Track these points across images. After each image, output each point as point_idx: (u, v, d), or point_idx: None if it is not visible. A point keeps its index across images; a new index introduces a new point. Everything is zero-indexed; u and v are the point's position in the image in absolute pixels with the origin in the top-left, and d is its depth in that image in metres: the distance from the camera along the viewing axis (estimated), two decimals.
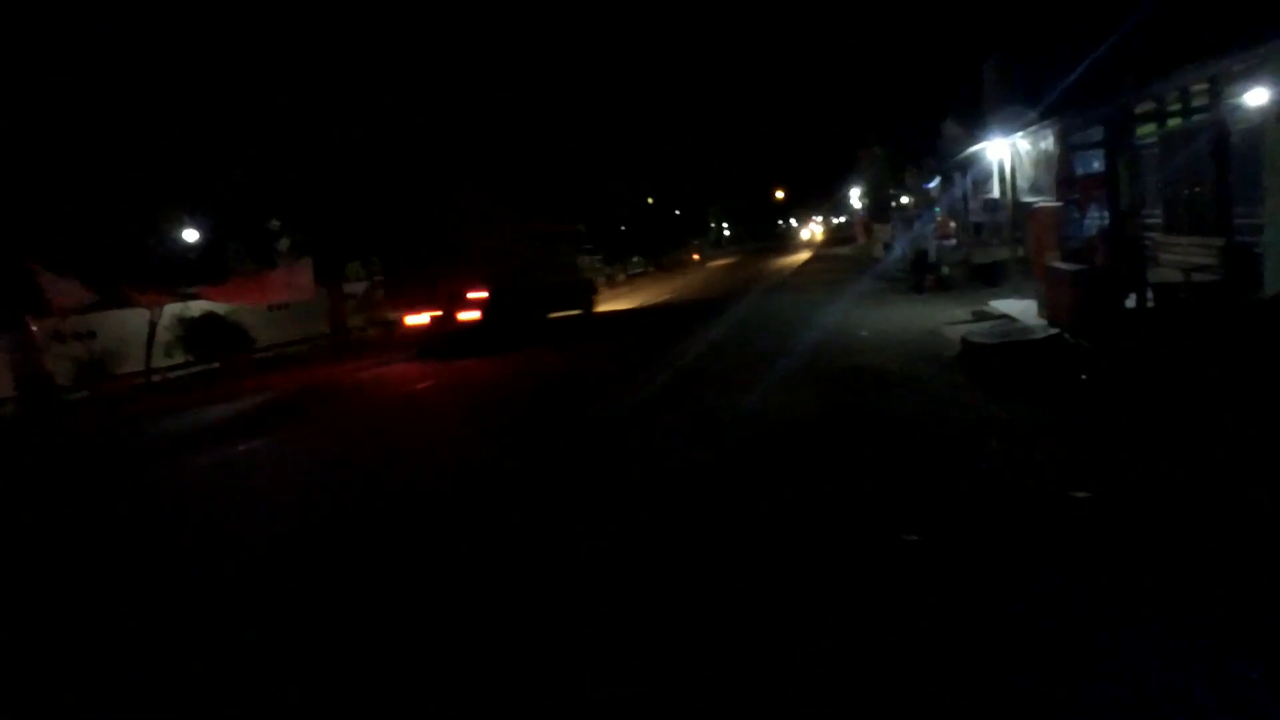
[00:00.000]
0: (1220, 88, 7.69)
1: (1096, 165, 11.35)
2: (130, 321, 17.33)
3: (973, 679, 2.76)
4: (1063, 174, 10.95)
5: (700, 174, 54.38)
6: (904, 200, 34.16)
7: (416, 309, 15.16)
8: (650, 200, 49.29)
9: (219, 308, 19.08)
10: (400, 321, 16.00)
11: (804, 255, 40.86)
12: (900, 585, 3.52)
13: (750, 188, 70.08)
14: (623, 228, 46.21)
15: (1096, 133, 10.94)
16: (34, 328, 14.63)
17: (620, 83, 40.46)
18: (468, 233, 15.62)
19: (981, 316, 10.87)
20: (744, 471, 5.53)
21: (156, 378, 17.26)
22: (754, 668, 3.01)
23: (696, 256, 49.34)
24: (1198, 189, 9.48)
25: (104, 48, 14.12)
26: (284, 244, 21.94)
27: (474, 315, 14.67)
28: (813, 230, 78.71)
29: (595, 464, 6.18)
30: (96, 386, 16.18)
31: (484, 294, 14.74)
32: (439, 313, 14.80)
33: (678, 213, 51.72)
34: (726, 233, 76.10)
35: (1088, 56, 10.98)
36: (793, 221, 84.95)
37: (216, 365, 18.55)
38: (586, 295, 19.78)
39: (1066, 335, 7.54)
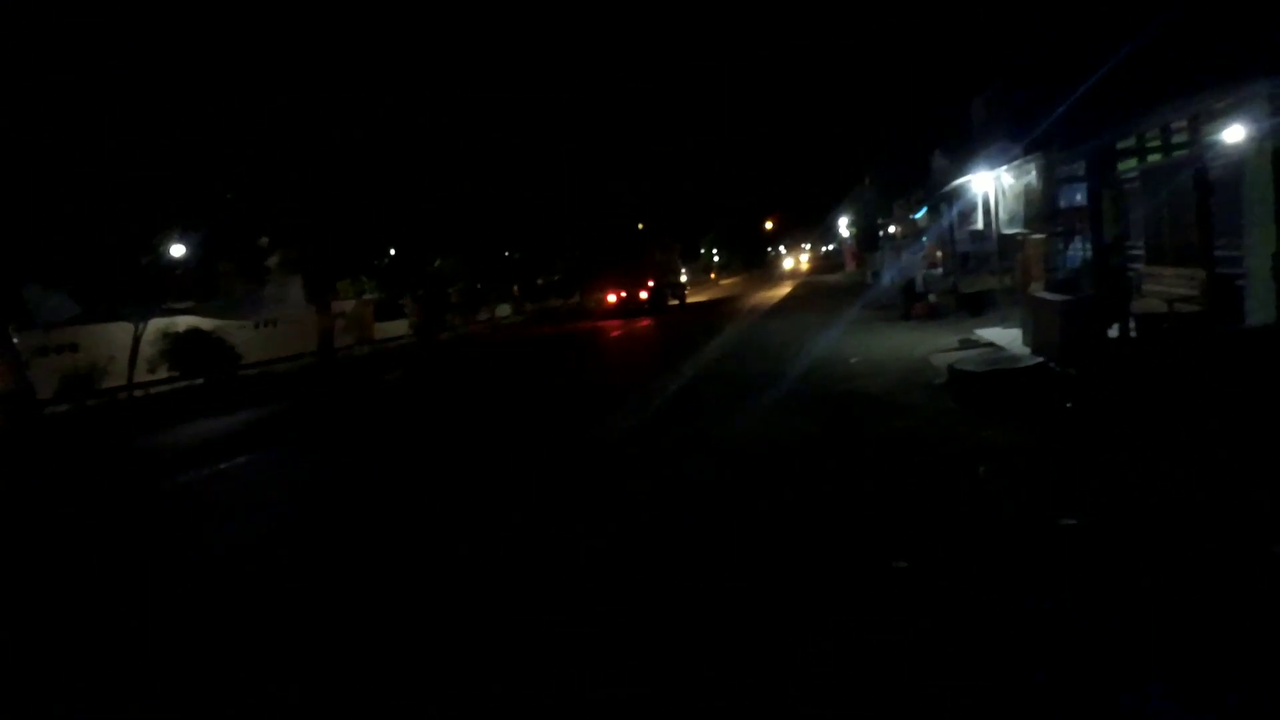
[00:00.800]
0: (1200, 125, 7.88)
1: (1080, 198, 11.55)
2: (114, 335, 17.17)
3: (961, 710, 2.73)
4: (1047, 207, 11.12)
5: (692, 202, 54.93)
6: (892, 230, 34.58)
7: (610, 293, 29.17)
8: (640, 226, 49.65)
9: (204, 323, 18.96)
10: (602, 300, 29.66)
11: (785, 288, 34.91)
12: (889, 612, 3.49)
13: (741, 216, 70.71)
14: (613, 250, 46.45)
15: (1080, 167, 11.16)
16: (15, 340, 14.45)
17: (614, 116, 41.00)
18: (647, 250, 30.49)
19: (969, 344, 10.95)
20: (737, 493, 5.51)
21: (138, 393, 17.06)
22: (742, 695, 2.96)
23: (714, 275, 63.95)
24: (1179, 222, 9.66)
25: (99, 63, 14.15)
26: (273, 261, 21.88)
27: (645, 296, 28.71)
28: (797, 259, 73.83)
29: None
30: (79, 401, 15.97)
31: (653, 284, 29.15)
32: (624, 294, 28.79)
33: (634, 237, 52.18)
34: (717, 259, 76.64)
35: (1071, 94, 11.24)
36: (782, 249, 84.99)
37: (201, 381, 18.36)
38: (681, 290, 33.59)
39: (1052, 364, 7.61)
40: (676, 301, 31.23)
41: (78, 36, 13.75)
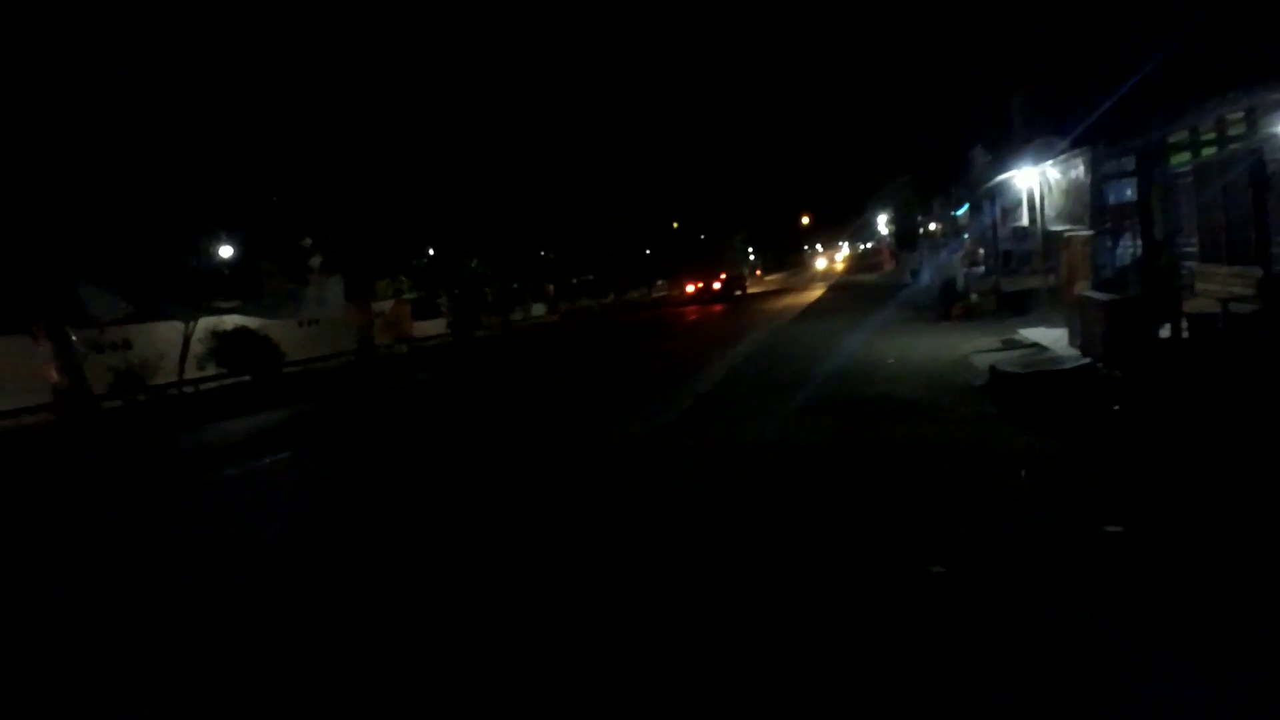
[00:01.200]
0: (1257, 117, 7.57)
1: (1129, 193, 11.19)
2: (165, 333, 17.74)
3: (993, 716, 2.67)
4: (1094, 203, 10.81)
5: (726, 200, 54.69)
6: (931, 227, 33.96)
7: (690, 284, 39.54)
8: (675, 225, 49.57)
9: (251, 322, 19.49)
10: (683, 290, 40.50)
11: (819, 289, 33.50)
12: (924, 617, 3.44)
13: (776, 214, 70.11)
14: (648, 251, 46.49)
15: (1129, 162, 10.81)
16: (74, 338, 15.03)
17: (649, 116, 41.01)
18: (720, 248, 49.53)
19: (1010, 345, 10.70)
20: (766, 496, 5.48)
21: (189, 389, 17.61)
22: (776, 699, 2.95)
23: (759, 273, 67.46)
24: (1235, 218, 9.31)
25: (152, 71, 14.65)
26: (315, 261, 22.39)
27: (719, 286, 37.15)
28: (831, 259, 71.77)
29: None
30: (131, 397, 16.54)
31: (725, 277, 38.27)
32: (700, 285, 38.61)
33: (703, 238, 52.19)
34: (752, 258, 76.14)
35: (1119, 86, 10.90)
36: (818, 247, 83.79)
37: (247, 378, 18.89)
38: (744, 283, 40.68)
39: (1099, 365, 7.40)
40: (740, 292, 38.45)
41: (127, 44, 14.25)
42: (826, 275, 54.37)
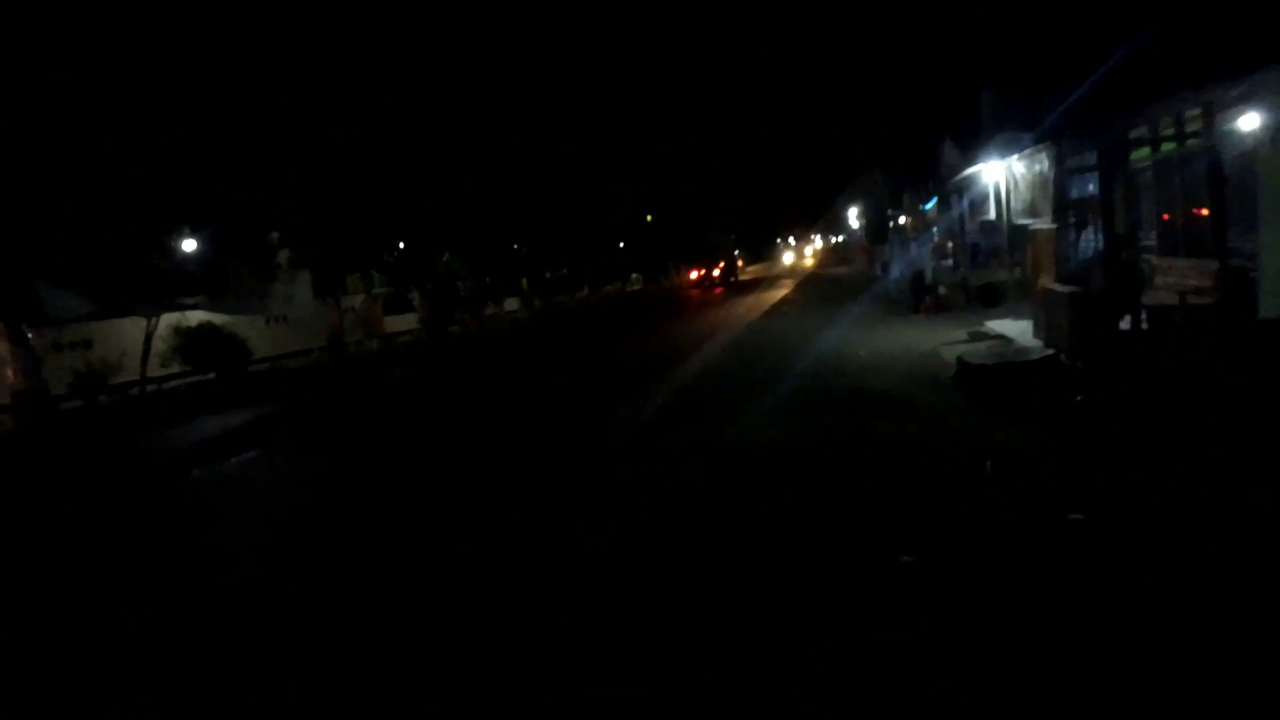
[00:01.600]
0: (1214, 113, 7.77)
1: (1092, 188, 11.42)
2: (127, 331, 17.31)
3: (961, 702, 2.72)
4: (1058, 197, 11.02)
5: (699, 194, 54.77)
6: (902, 221, 34.35)
7: (693, 271, 46.95)
8: (649, 219, 49.56)
9: (216, 318, 19.10)
10: (686, 276, 48.03)
11: (788, 287, 31.50)
12: (894, 606, 3.49)
13: (750, 208, 70.39)
14: (620, 245, 46.43)
15: (1092, 157, 11.03)
16: (30, 336, 14.60)
17: (619, 111, 40.91)
18: (717, 241, 53.28)
19: (978, 337, 10.88)
20: (740, 489, 5.50)
21: (151, 388, 17.21)
22: (747, 685, 2.97)
23: (741, 264, 66.52)
24: (1192, 213, 9.55)
25: (110, 64, 14.25)
26: (283, 257, 21.99)
27: (718, 273, 46.40)
28: (800, 252, 69.91)
29: None
30: (92, 397, 16.13)
31: (723, 264, 47.94)
32: (702, 271, 46.42)
33: (709, 234, 52.67)
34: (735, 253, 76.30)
35: (1083, 82, 11.11)
36: (791, 240, 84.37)
37: (212, 376, 18.52)
38: (736, 271, 49.37)
39: (1062, 356, 7.55)
40: (733, 278, 45.87)
41: (87, 38, 13.85)
42: (794, 271, 52.64)
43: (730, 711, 2.85)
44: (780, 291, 28.73)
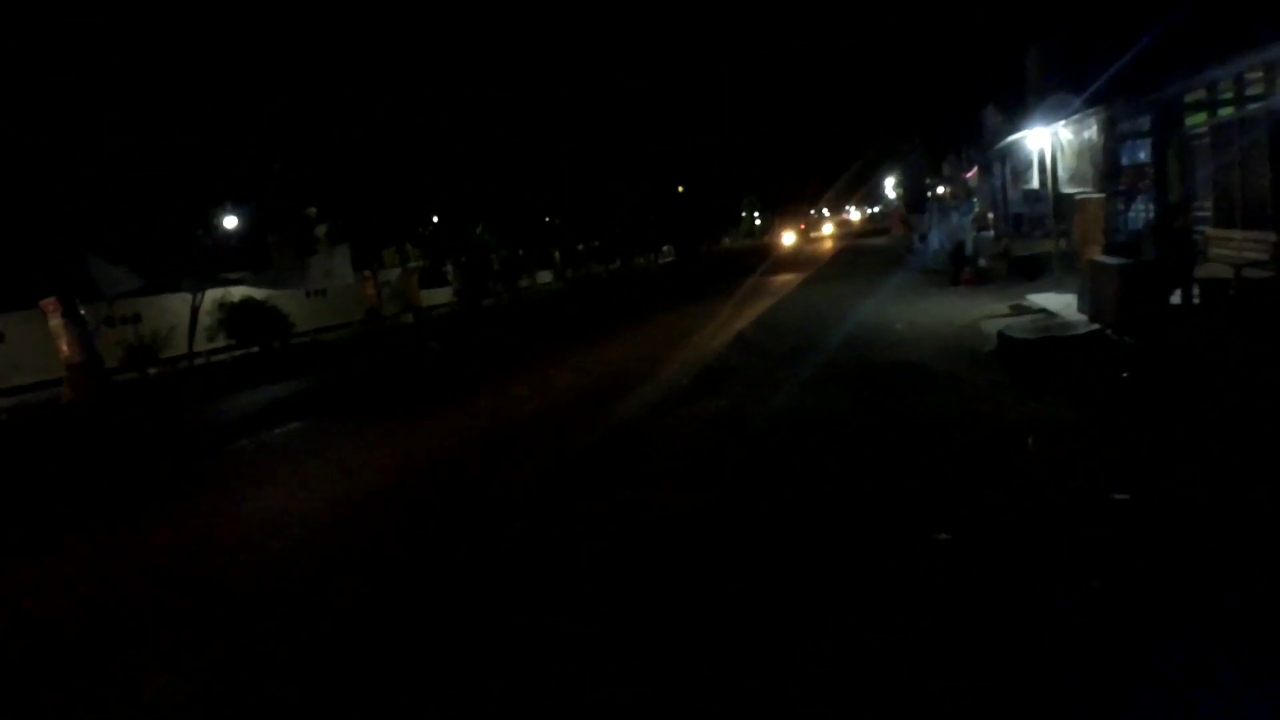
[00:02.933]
0: (1277, 74, 7.40)
1: (1143, 155, 11.00)
2: (174, 306, 17.81)
3: (998, 685, 2.73)
4: (1108, 164, 10.65)
5: (732, 163, 54.00)
6: (941, 190, 33.51)
7: (786, 230, 52.06)
8: (681, 189, 49.03)
9: (258, 293, 19.52)
10: (779, 235, 52.02)
11: (823, 256, 32.31)
12: (929, 583, 3.49)
13: (783, 178, 69.17)
14: (653, 216, 46.12)
15: (1144, 122, 10.61)
16: (83, 312, 15.10)
17: (655, 79, 40.28)
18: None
19: (1020, 311, 10.64)
20: (774, 463, 5.52)
21: (198, 361, 17.73)
22: (776, 663, 3.02)
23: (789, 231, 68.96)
24: (1252, 181, 9.14)
25: (154, 44, 14.50)
26: (321, 231, 22.32)
27: (802, 229, 56.25)
28: (837, 223, 65.80)
29: None
30: (143, 370, 16.69)
31: (804, 226, 58.04)
32: (798, 229, 53.73)
33: (709, 200, 51.67)
34: (759, 223, 75.42)
35: (1136, 42, 10.63)
36: (825, 211, 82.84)
37: (256, 350, 19.00)
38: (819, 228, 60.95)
39: (1109, 331, 7.36)
40: (814, 232, 55.48)
41: (137, 19, 14.11)
42: (831, 239, 51.54)
43: (756, 691, 2.90)
44: (823, 251, 28.41)
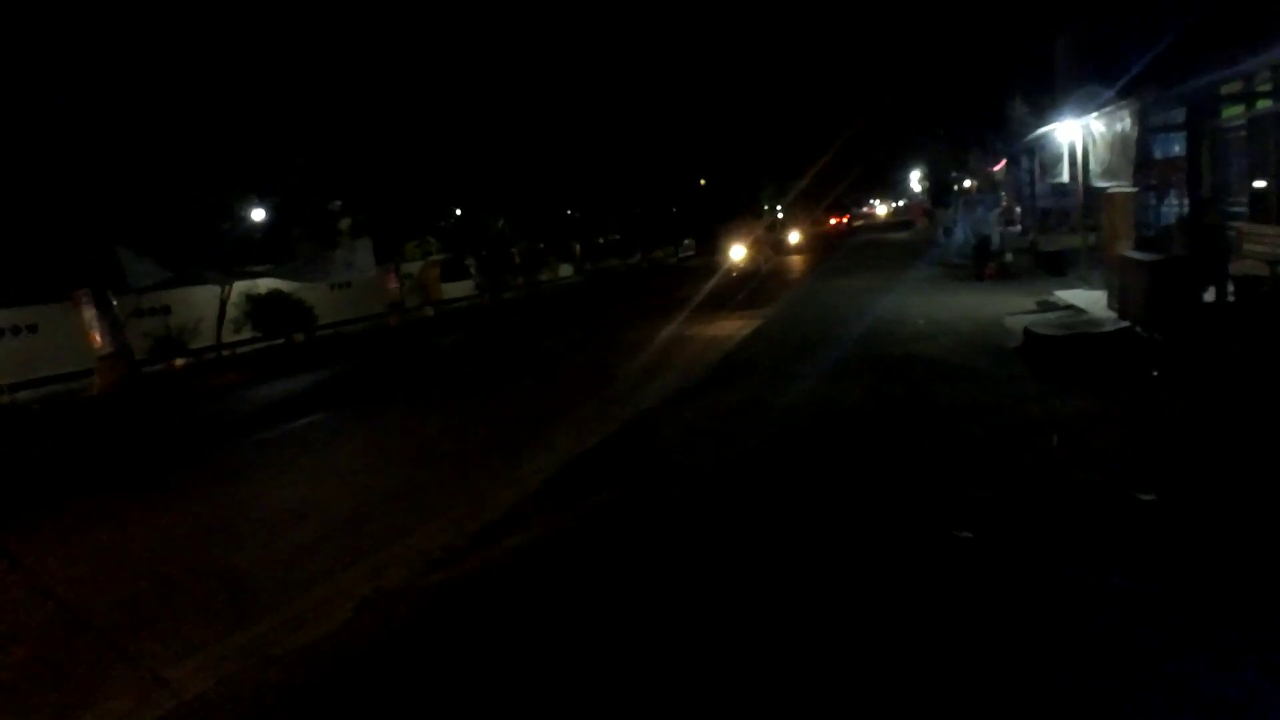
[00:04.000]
0: None
1: (1177, 149, 10.76)
2: (201, 298, 18.10)
3: (1012, 687, 2.71)
4: (1140, 157, 10.40)
5: (753, 155, 53.66)
6: (966, 183, 33.01)
7: (834, 219, 64.01)
8: (702, 182, 48.83)
9: (284, 285, 19.77)
10: (826, 225, 61.19)
11: (844, 251, 30.86)
12: (948, 582, 3.47)
13: (804, 170, 68.52)
14: (674, 209, 46.02)
15: (1178, 114, 10.37)
16: (114, 303, 15.40)
17: (672, 69, 40.06)
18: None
19: (1046, 307, 10.48)
20: (792, 457, 5.50)
21: (225, 353, 18.02)
22: (792, 659, 3.01)
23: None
24: None
25: (180, 37, 14.69)
26: (344, 224, 22.53)
27: (845, 221, 64.75)
28: (860, 217, 66.78)
29: None
30: (171, 361, 16.99)
31: (848, 218, 66.60)
32: (840, 221, 64.07)
33: (729, 193, 51.40)
34: (780, 216, 74.86)
35: (1168, 31, 10.38)
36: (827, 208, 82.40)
37: (281, 342, 19.26)
38: (854, 223, 63.40)
39: (1138, 329, 7.23)
40: (859, 222, 58.13)
41: (164, 14, 14.31)
42: (855, 232, 51.35)
43: (765, 685, 2.90)
44: (841, 252, 28.20)
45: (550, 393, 9.53)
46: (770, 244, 32.42)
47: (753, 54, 68.53)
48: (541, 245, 33.92)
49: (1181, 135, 10.19)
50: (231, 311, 18.26)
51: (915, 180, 50.22)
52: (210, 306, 17.71)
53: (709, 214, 48.50)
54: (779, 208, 73.33)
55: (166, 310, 17.72)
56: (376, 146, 20.82)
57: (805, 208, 76.02)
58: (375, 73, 20.16)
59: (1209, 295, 7.47)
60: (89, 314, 15.19)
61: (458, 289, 28.79)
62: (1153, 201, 11.02)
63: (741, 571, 3.87)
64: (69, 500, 7.05)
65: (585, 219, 37.73)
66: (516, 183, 28.52)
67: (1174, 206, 10.71)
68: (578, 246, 38.73)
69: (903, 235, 38.80)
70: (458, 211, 28.66)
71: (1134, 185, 10.49)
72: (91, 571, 5.13)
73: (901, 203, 62.59)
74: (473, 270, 29.59)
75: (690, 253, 49.08)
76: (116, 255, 15.16)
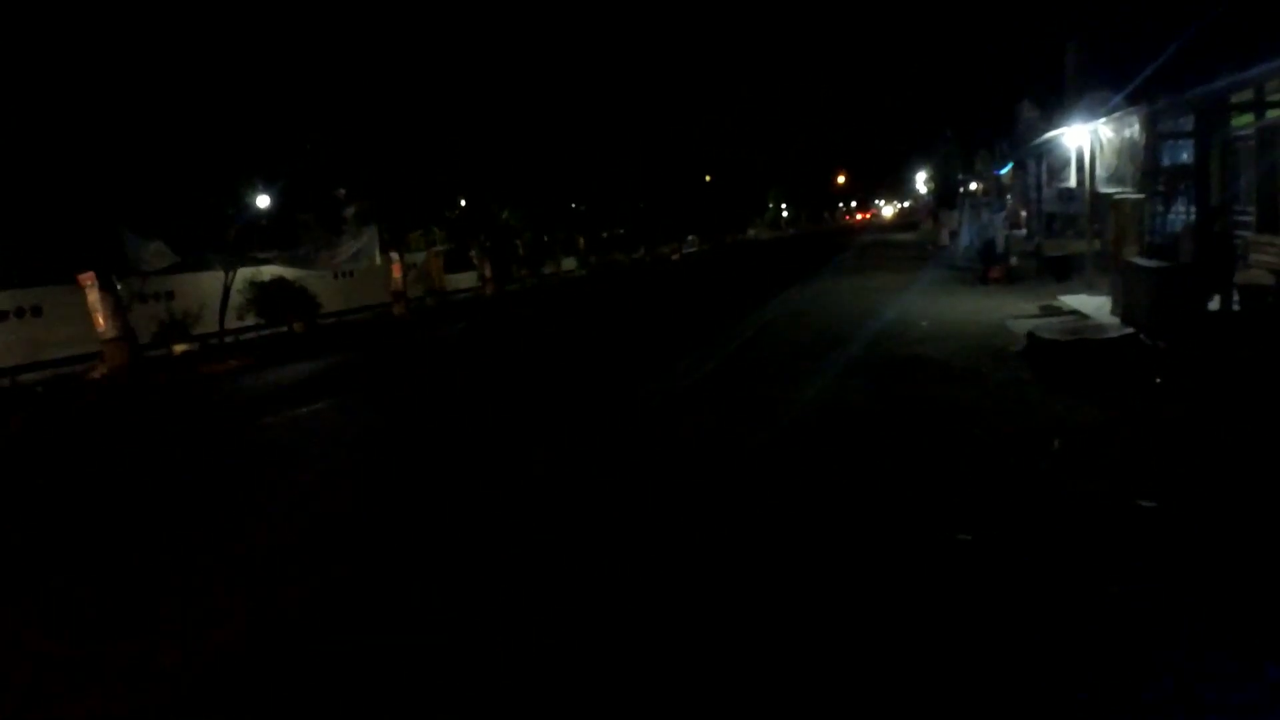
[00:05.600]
0: None
1: (1185, 156, 10.75)
2: (206, 284, 18.09)
3: (1010, 687, 2.72)
4: (1148, 164, 10.40)
5: (760, 153, 53.60)
6: (973, 186, 32.95)
7: (860, 214, 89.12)
8: (708, 179, 48.75)
9: (288, 272, 19.76)
10: (852, 218, 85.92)
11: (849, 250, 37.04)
12: (947, 584, 3.48)
13: (811, 170, 68.46)
14: (679, 205, 46.00)
15: (1187, 121, 10.34)
16: (119, 287, 15.39)
17: (681, 65, 39.97)
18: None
19: (1050, 311, 10.49)
20: (796, 459, 5.52)
21: (229, 339, 18.03)
22: (794, 660, 3.04)
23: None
24: None
25: (188, 32, 14.68)
26: (350, 212, 22.51)
27: (869, 216, 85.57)
28: (869, 215, 69.67)
29: None
30: (174, 346, 17.00)
31: (871, 214, 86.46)
32: (864, 216, 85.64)
33: (736, 192, 51.33)
34: (785, 214, 74.89)
35: (1180, 37, 10.36)
36: (854, 205, 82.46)
37: (285, 329, 19.27)
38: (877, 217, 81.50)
39: (1143, 335, 7.23)
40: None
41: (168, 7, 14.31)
42: (856, 231, 52.21)
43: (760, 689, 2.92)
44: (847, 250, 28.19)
45: (552, 389, 9.53)
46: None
47: (761, 54, 68.36)
48: (546, 238, 33.90)
49: (1190, 143, 10.17)
50: (235, 298, 18.24)
51: (921, 182, 50.15)
52: (214, 292, 17.69)
53: (714, 210, 48.43)
54: (784, 206, 73.19)
55: (170, 295, 17.70)
56: (383, 133, 20.80)
57: (811, 207, 75.89)
58: (384, 59, 20.12)
59: (1214, 304, 7.48)
60: (93, 297, 15.18)
61: (461, 280, 28.77)
62: (1160, 209, 11.00)
63: (742, 575, 3.88)
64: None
65: (590, 212, 37.68)
66: (523, 174, 28.48)
67: (1181, 214, 10.70)
68: (582, 240, 38.70)
69: (909, 236, 38.81)
70: (462, 202, 28.62)
71: (1141, 192, 10.48)
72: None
73: (908, 204, 62.57)
74: (476, 261, 29.58)
75: (694, 248, 49.03)
76: (122, 239, 15.15)
